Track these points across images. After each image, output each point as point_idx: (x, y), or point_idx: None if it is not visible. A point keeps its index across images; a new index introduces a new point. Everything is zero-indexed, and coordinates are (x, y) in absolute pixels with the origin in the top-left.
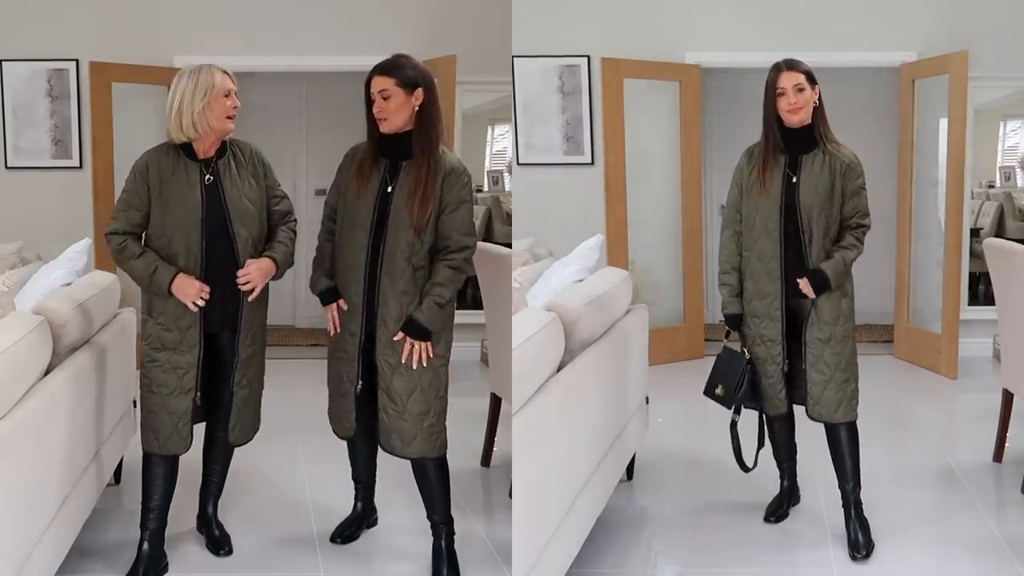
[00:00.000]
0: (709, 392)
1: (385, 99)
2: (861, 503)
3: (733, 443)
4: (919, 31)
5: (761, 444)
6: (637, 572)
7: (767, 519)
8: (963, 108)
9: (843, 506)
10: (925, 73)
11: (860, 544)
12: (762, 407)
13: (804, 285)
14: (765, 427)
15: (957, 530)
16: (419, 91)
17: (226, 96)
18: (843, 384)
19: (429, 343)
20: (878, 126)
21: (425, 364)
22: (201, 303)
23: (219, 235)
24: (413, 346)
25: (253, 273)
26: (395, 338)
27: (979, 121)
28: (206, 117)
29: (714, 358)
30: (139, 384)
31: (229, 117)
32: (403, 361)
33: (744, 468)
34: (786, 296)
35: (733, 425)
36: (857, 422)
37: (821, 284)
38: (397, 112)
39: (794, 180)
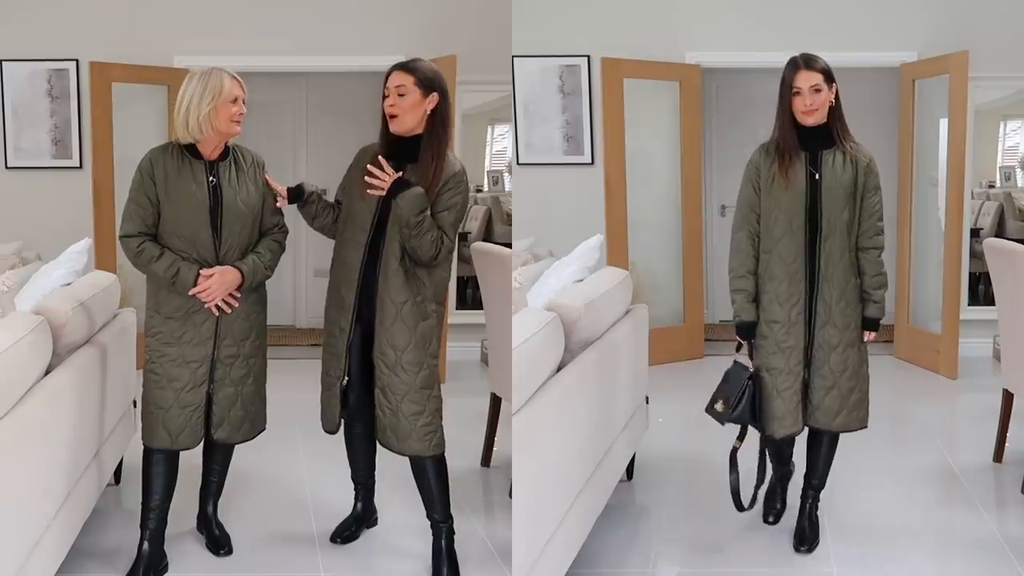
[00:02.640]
0: (709, 408)
1: (401, 95)
2: (818, 502)
3: (731, 475)
4: (919, 31)
5: (761, 480)
6: (637, 572)
7: (766, 519)
8: (963, 108)
9: (801, 499)
10: (925, 73)
11: (807, 537)
12: (764, 428)
13: (869, 337)
14: (767, 457)
15: (957, 530)
16: (434, 95)
17: (233, 102)
18: (847, 394)
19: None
20: (878, 126)
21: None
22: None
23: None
24: None
25: (213, 285)
26: (368, 168)
27: (979, 121)
28: (211, 120)
29: (713, 359)
30: (143, 382)
31: (235, 122)
32: (365, 178)
33: (740, 507)
34: (809, 299)
35: (733, 453)
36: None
37: (876, 326)
38: (410, 111)
39: (817, 177)
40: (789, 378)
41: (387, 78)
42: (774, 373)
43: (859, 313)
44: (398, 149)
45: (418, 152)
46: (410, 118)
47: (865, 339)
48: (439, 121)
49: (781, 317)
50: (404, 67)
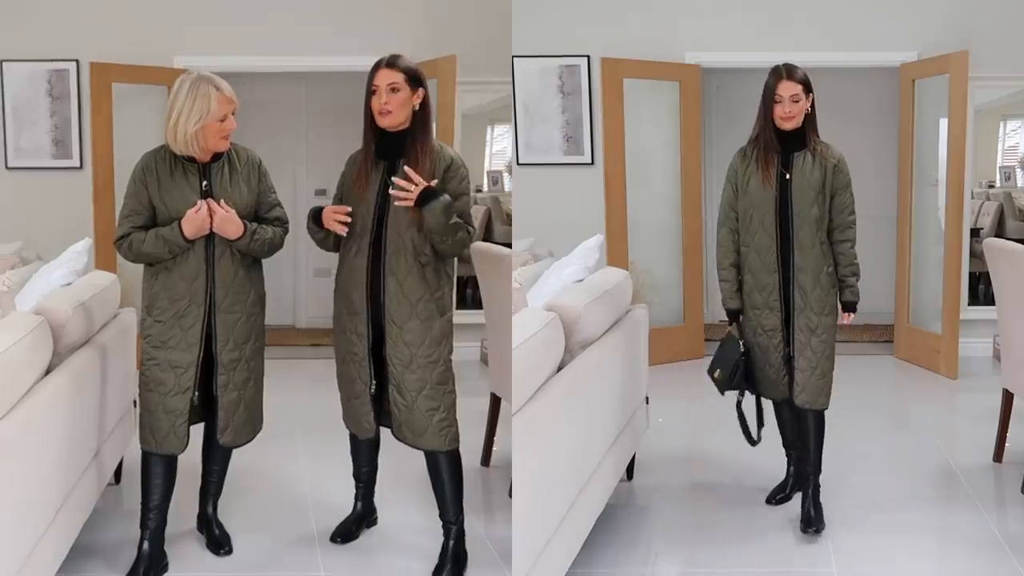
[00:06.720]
0: (710, 372)
1: (394, 91)
2: (819, 487)
3: (740, 420)
4: (919, 31)
5: (760, 422)
6: (637, 572)
7: (768, 501)
8: (963, 108)
9: (803, 486)
10: (925, 73)
11: (812, 520)
12: (759, 392)
13: (849, 318)
14: (768, 410)
15: (957, 529)
16: (421, 90)
17: (222, 120)
18: (827, 373)
19: (415, 205)
20: (878, 126)
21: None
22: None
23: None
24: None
25: (219, 213)
26: (395, 181)
27: (979, 121)
28: (198, 139)
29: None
30: (138, 383)
31: (224, 138)
32: (391, 191)
33: (751, 442)
34: (783, 287)
35: (738, 405)
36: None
37: (854, 308)
38: (401, 107)
39: (787, 177)
40: (774, 354)
41: (373, 75)
42: (761, 350)
43: (834, 299)
44: (387, 147)
45: (406, 146)
46: (401, 113)
47: (846, 320)
48: (425, 115)
49: (760, 303)
50: (392, 65)
